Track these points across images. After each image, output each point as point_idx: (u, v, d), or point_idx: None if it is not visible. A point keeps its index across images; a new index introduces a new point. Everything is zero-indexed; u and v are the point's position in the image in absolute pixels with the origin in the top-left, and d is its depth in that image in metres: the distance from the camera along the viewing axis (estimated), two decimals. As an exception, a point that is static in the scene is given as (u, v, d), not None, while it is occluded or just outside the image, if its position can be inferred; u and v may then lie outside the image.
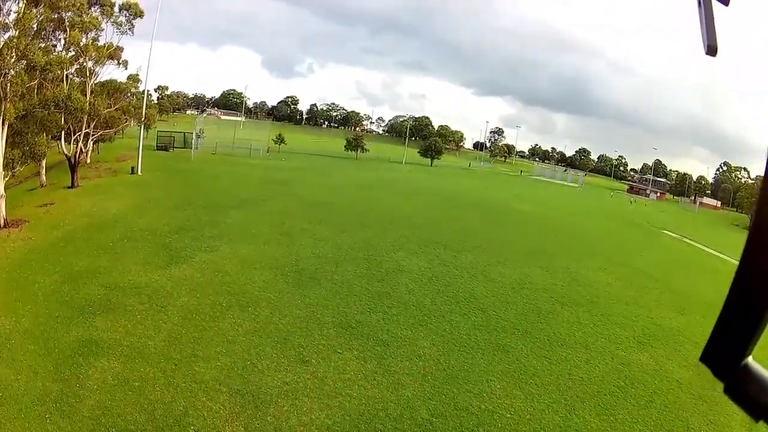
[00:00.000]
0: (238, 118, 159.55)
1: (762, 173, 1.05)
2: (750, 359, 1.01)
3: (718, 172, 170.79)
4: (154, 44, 44.51)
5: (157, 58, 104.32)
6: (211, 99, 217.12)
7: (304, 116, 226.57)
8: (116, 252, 21.66)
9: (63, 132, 35.17)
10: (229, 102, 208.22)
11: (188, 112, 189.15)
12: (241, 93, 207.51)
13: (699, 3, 1.50)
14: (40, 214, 27.85)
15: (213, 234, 25.42)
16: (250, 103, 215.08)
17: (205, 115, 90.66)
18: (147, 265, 20.34)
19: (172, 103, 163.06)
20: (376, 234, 29.07)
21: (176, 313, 16.38)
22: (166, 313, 16.32)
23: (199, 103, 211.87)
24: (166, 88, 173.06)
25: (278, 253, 23.57)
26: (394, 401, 13.00)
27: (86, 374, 12.69)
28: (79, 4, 34.77)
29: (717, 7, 1.49)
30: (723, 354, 1.04)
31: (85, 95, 36.15)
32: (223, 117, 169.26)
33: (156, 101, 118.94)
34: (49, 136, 33.72)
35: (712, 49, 1.44)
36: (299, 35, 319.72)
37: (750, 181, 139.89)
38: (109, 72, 43.33)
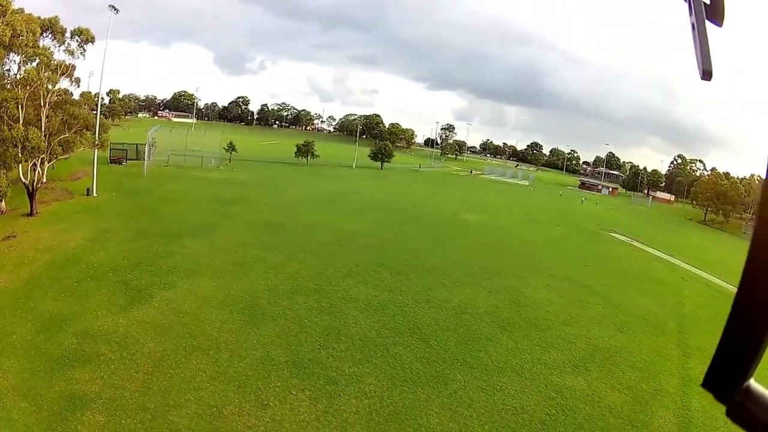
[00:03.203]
0: (190, 120, 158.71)
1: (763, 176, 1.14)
2: (752, 381, 1.03)
3: (672, 165, 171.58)
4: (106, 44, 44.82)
5: (109, 58, 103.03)
6: (162, 101, 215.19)
7: (255, 116, 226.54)
8: (82, 294, 22.57)
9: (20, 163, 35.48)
10: (181, 103, 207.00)
11: (140, 114, 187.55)
12: (193, 94, 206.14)
13: (693, 26, 1.51)
14: (3, 249, 28.33)
15: (170, 267, 26.61)
16: (201, 104, 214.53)
17: (157, 127, 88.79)
18: (112, 308, 21.37)
19: (124, 107, 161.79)
20: (325, 259, 30.46)
21: (145, 360, 17.56)
22: (136, 361, 17.47)
23: (150, 105, 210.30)
24: (118, 92, 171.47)
25: (232, 287, 24.88)
26: (344, 441, 14.45)
27: (76, 430, 13.77)
28: (31, 42, 35.38)
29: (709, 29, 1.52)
30: (724, 378, 1.05)
31: (40, 120, 36.58)
32: (174, 119, 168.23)
33: (107, 105, 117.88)
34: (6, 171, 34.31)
35: (707, 74, 1.44)
36: (251, 32, 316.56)
37: (705, 174, 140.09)
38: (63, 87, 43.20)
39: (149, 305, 21.97)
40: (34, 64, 37.49)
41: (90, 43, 41.31)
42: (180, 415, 14.83)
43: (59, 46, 39.64)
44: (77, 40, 40.54)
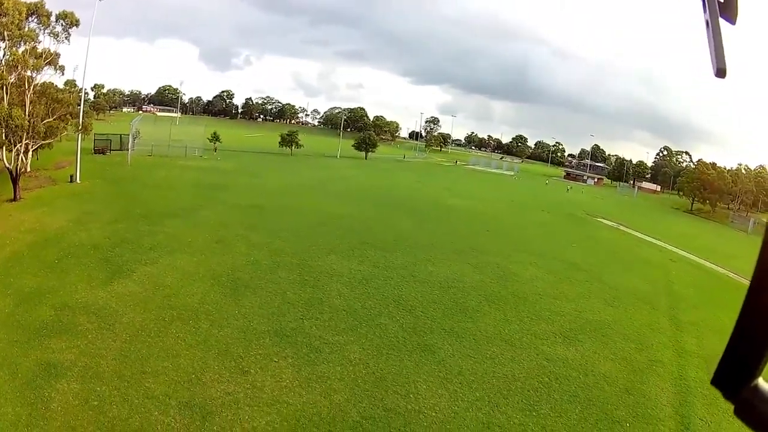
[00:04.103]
0: (174, 115, 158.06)
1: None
2: (760, 380, 1.02)
3: (658, 157, 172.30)
4: (92, 40, 44.45)
5: (94, 54, 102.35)
6: (147, 95, 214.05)
7: (240, 110, 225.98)
8: (62, 270, 22.15)
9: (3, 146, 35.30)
10: (165, 98, 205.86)
11: (125, 109, 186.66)
12: (177, 89, 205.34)
13: (707, 24, 1.48)
14: (-14, 231, 27.97)
15: (152, 245, 26.17)
16: (185, 99, 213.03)
17: (141, 116, 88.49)
18: (92, 282, 20.97)
19: (109, 101, 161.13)
20: (308, 238, 30.23)
21: (124, 330, 17.18)
22: (115, 331, 17.09)
23: (135, 99, 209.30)
24: (102, 87, 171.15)
25: (214, 262, 24.56)
26: (327, 406, 14.19)
27: (49, 397, 13.36)
28: (17, 21, 35.13)
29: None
30: (733, 376, 1.04)
31: (24, 105, 36.39)
32: (159, 114, 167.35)
33: (92, 99, 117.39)
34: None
35: (721, 72, 1.43)
36: (237, 27, 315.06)
37: (692, 165, 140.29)
38: (47, 76, 43.11)
39: (129, 279, 21.58)
40: (20, 50, 37.40)
41: (75, 27, 41.49)
42: (157, 381, 14.46)
43: (44, 30, 39.58)
44: (62, 24, 40.49)
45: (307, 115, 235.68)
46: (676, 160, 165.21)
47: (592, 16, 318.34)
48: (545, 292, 25.62)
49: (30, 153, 41.03)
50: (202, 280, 22.20)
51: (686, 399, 16.80)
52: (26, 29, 37.83)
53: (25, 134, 35.73)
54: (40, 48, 39.52)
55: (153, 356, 15.77)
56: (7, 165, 35.70)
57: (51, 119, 39.26)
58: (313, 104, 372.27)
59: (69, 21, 40.73)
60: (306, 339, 17.77)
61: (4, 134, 33.48)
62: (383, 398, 14.83)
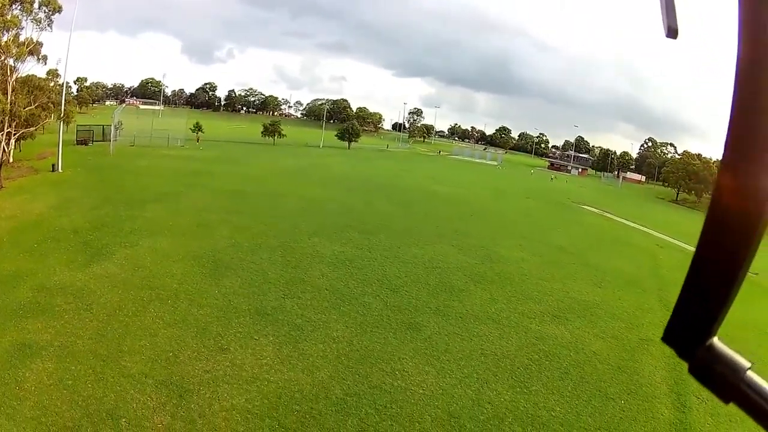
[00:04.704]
0: (157, 107, 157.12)
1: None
2: (716, 339, 0.99)
3: (642, 148, 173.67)
4: (74, 34, 44.25)
5: (76, 48, 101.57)
6: (130, 88, 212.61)
7: (222, 103, 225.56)
8: (41, 253, 21.76)
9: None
10: (148, 91, 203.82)
11: (107, 102, 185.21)
12: (160, 81, 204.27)
13: None
14: (-33, 219, 27.54)
15: (132, 229, 25.85)
16: (168, 91, 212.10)
17: (123, 106, 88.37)
18: (71, 264, 20.60)
19: (91, 95, 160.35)
20: (290, 222, 29.98)
21: (101, 310, 16.82)
22: (92, 311, 16.73)
23: (118, 93, 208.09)
24: (85, 80, 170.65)
25: (195, 244, 24.23)
26: (310, 383, 13.88)
27: (23, 376, 13.03)
28: (0, 8, 34.96)
29: None
30: (686, 333, 1.02)
31: (6, 94, 36.11)
32: (141, 106, 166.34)
33: (75, 93, 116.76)
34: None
35: (672, 31, 1.34)
36: (219, 20, 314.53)
37: (677, 156, 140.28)
38: (29, 68, 43.01)
39: (109, 261, 21.19)
40: (3, 39, 37.27)
41: (57, 14, 41.56)
42: (133, 360, 14.11)
43: (27, 17, 39.49)
44: (45, 11, 40.45)
45: (290, 107, 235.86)
46: (661, 152, 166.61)
47: (575, 8, 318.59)
48: (532, 273, 25.42)
49: (12, 142, 40.78)
50: (182, 261, 21.86)
51: (680, 377, 16.57)
52: (9, 16, 37.65)
53: (6, 120, 35.44)
54: (22, 37, 39.49)
55: (130, 335, 15.42)
56: (-13, 153, 35.47)
57: (32, 107, 39.10)
58: (296, 97, 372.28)
59: (51, 7, 40.75)
60: (287, 317, 17.48)
61: None
62: (368, 375, 14.56)
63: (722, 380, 0.98)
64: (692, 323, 1.01)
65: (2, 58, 37.30)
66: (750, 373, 0.95)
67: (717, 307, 0.97)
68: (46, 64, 44.05)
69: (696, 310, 1.00)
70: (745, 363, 0.96)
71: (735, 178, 0.92)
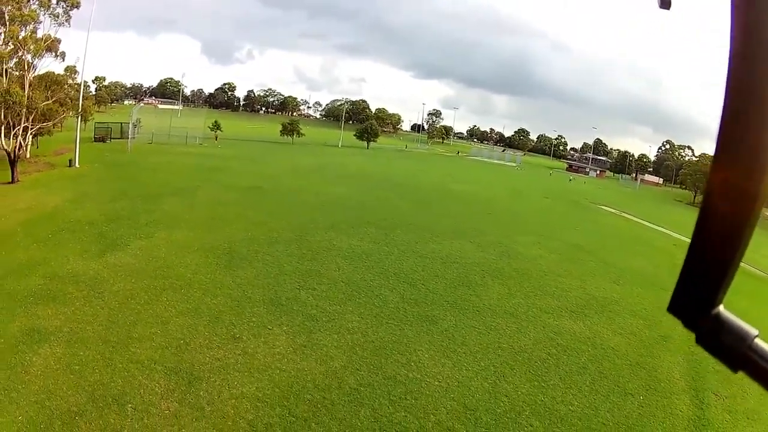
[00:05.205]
0: (176, 107, 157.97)
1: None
2: (721, 308, 0.97)
3: (660, 150, 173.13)
4: (92, 34, 44.32)
5: (95, 49, 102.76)
6: (148, 88, 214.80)
7: (241, 102, 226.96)
8: (55, 243, 21.70)
9: (2, 127, 35.14)
10: (167, 90, 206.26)
11: (126, 102, 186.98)
12: (179, 81, 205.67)
13: None
14: (-20, 211, 27.58)
15: (148, 221, 25.78)
16: (187, 91, 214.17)
17: (141, 104, 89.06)
18: (84, 254, 20.51)
19: (110, 94, 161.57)
20: (307, 217, 29.87)
21: (113, 298, 16.68)
22: (104, 298, 16.60)
23: (136, 92, 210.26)
24: (104, 79, 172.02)
25: (211, 237, 24.08)
26: (323, 373, 13.60)
27: (30, 361, 12.89)
28: (18, 2, 35.14)
29: None
30: (692, 303, 1.00)
31: (24, 89, 36.25)
32: (160, 106, 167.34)
33: (93, 92, 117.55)
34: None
35: (665, 2, 1.40)
36: (238, 21, 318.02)
37: (694, 159, 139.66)
38: (47, 65, 43.17)
39: (123, 252, 21.09)
40: (21, 34, 37.46)
41: (75, 9, 41.62)
42: (143, 347, 13.91)
43: (45, 11, 39.64)
44: (63, 6, 40.58)
45: (309, 107, 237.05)
46: (679, 154, 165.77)
47: (593, 11, 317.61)
48: (549, 269, 25.03)
49: (29, 137, 40.92)
50: (197, 252, 21.72)
51: (699, 374, 16.22)
52: (27, 11, 37.84)
53: (23, 113, 35.55)
54: (40, 33, 39.66)
55: (141, 322, 15.25)
56: (5, 147, 35.54)
57: (50, 101, 39.22)
58: (315, 98, 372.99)
59: (69, 2, 40.82)
60: (302, 308, 17.23)
61: (2, 114, 33.26)
62: (383, 366, 14.26)
63: (730, 349, 0.95)
64: (697, 293, 0.99)
65: (20, 54, 37.44)
66: (758, 341, 0.94)
67: (721, 275, 0.96)
68: (63, 60, 44.36)
69: (700, 279, 0.98)
70: (752, 330, 0.95)
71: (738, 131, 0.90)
